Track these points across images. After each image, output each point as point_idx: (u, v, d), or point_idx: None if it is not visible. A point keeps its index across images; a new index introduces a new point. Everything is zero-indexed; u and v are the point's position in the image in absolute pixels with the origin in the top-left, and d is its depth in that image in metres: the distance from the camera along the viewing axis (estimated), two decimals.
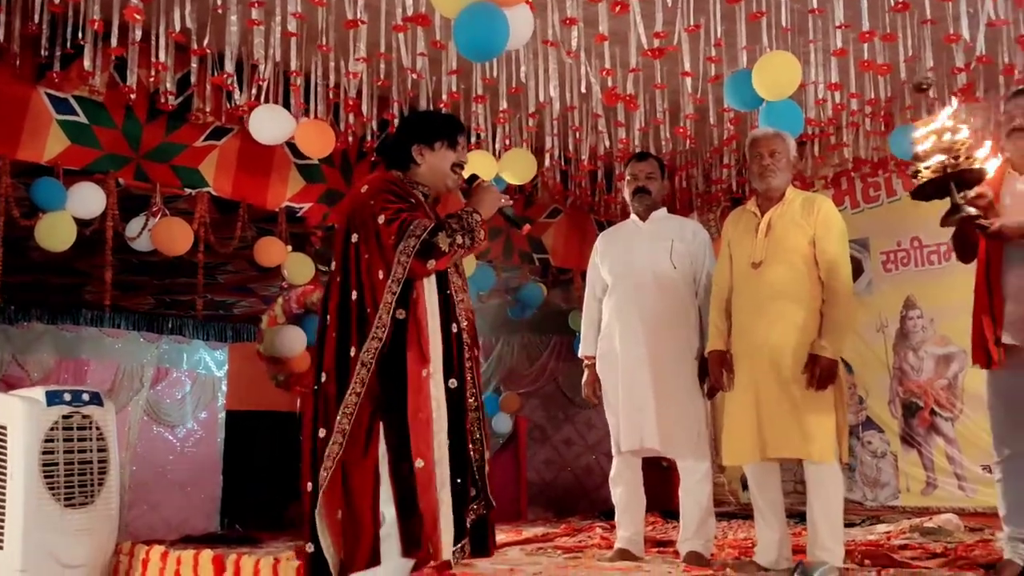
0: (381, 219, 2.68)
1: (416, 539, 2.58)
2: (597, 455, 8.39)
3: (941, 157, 3.11)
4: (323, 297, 2.87)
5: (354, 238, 2.73)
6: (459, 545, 2.71)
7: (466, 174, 3.03)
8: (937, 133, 3.16)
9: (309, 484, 2.69)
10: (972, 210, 3.14)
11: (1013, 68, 4.84)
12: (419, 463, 2.60)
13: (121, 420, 8.77)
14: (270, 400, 8.54)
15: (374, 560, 2.57)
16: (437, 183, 2.91)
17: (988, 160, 3.18)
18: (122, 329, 9.16)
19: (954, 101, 3.20)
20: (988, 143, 3.23)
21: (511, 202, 2.99)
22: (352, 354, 2.64)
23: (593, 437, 8.60)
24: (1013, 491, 3.35)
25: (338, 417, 2.62)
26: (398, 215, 2.68)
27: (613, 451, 4.21)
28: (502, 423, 8.61)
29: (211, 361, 10.00)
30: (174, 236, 5.22)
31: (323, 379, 2.70)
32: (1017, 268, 3.24)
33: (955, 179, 3.11)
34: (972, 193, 3.16)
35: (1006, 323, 3.25)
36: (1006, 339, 3.25)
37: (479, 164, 5.17)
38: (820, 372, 3.44)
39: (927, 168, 3.16)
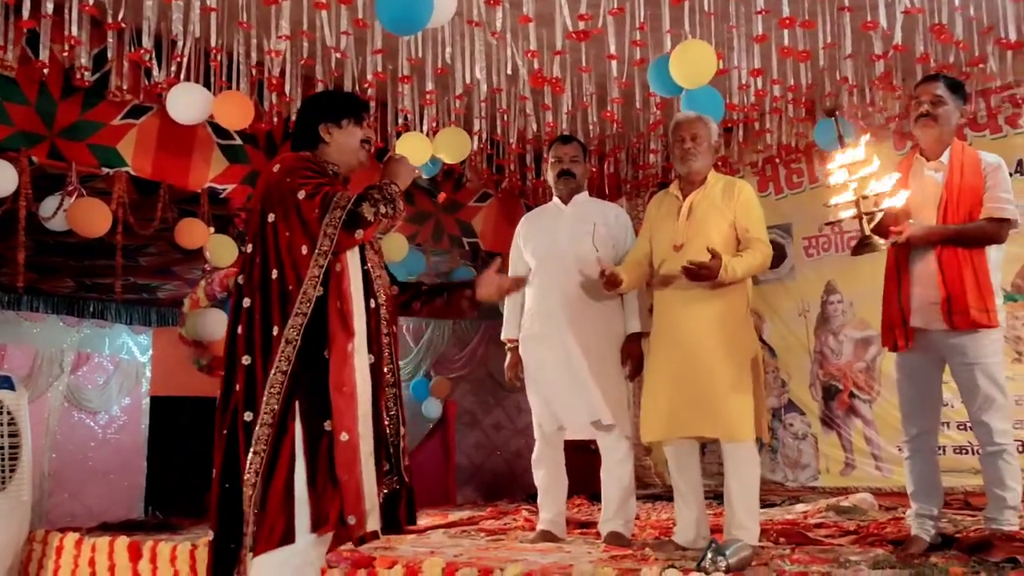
0: (301, 195, 2.64)
1: (326, 516, 2.56)
2: (527, 439, 8.43)
3: (850, 197, 3.21)
4: (238, 279, 2.81)
5: (271, 217, 2.69)
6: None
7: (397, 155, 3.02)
8: (848, 168, 3.25)
9: (224, 471, 2.64)
10: (881, 242, 3.24)
11: (929, 56, 4.96)
12: (343, 436, 2.58)
13: (40, 406, 8.58)
14: (195, 386, 8.37)
15: (287, 538, 2.54)
16: (346, 160, 2.89)
17: (895, 193, 3.25)
18: (41, 312, 8.89)
19: (864, 137, 3.29)
20: (894, 175, 3.31)
21: (422, 173, 2.99)
22: (275, 333, 2.61)
23: (523, 421, 8.63)
24: (920, 469, 3.44)
25: (265, 398, 2.58)
26: (319, 189, 2.66)
27: (536, 433, 4.22)
28: (432, 408, 8.60)
29: (134, 346, 9.79)
30: (92, 217, 5.08)
31: (246, 361, 2.65)
32: (924, 253, 3.33)
33: (866, 216, 3.21)
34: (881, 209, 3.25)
35: (913, 308, 3.34)
36: (914, 322, 3.34)
37: (412, 146, 5.13)
38: (703, 268, 3.44)
39: (836, 205, 3.27)
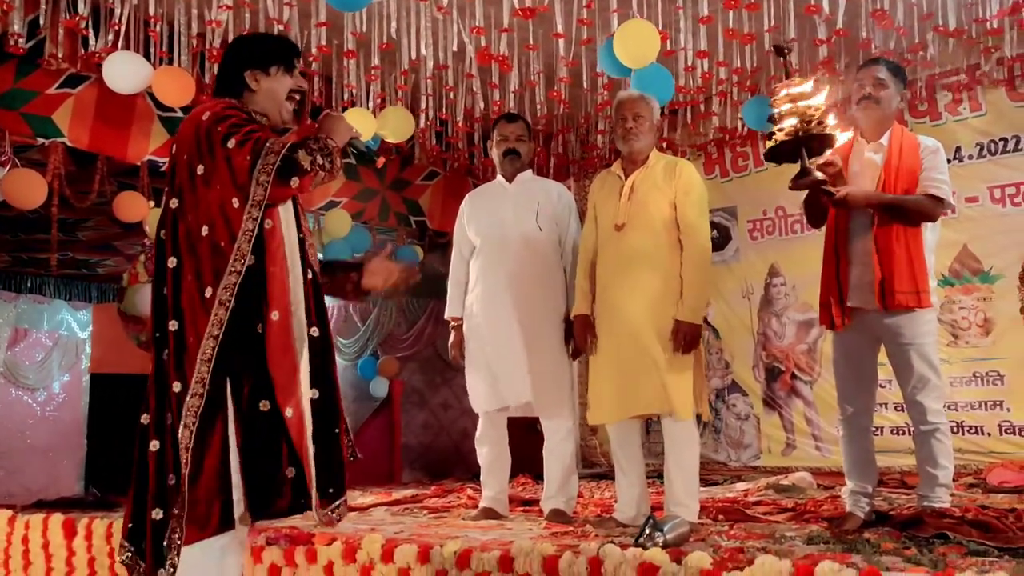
0: (231, 143, 2.41)
1: (265, 503, 2.46)
2: (474, 419, 8.42)
3: (794, 121, 3.19)
4: (160, 235, 2.62)
5: (199, 169, 2.45)
6: (342, 499, 2.60)
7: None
8: (792, 98, 3.24)
9: (155, 443, 2.51)
10: (820, 175, 3.24)
11: (871, 42, 5.01)
12: (288, 412, 2.46)
13: None
14: (136, 363, 8.24)
15: (224, 525, 2.43)
16: (273, 111, 2.69)
17: (838, 128, 3.28)
18: None
19: (816, 73, 3.29)
20: (835, 115, 3.33)
21: (361, 134, 2.84)
22: (208, 294, 2.40)
23: (469, 401, 8.63)
24: (854, 448, 3.50)
25: (197, 366, 2.37)
26: (250, 136, 2.45)
27: (478, 410, 4.22)
28: (379, 387, 8.56)
29: (74, 322, 9.61)
30: (27, 188, 4.96)
31: (173, 326, 2.42)
32: (861, 234, 3.37)
33: (806, 144, 3.20)
34: (821, 160, 3.26)
35: (851, 287, 3.38)
36: (851, 302, 3.38)
37: (357, 122, 5.05)
38: (684, 336, 3.54)
39: (780, 131, 3.24)
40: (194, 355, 2.38)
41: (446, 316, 4.35)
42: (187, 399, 2.38)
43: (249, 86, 2.64)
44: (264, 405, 2.42)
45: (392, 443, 8.08)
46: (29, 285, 9.05)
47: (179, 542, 2.37)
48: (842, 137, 3.37)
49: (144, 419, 2.50)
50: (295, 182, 2.39)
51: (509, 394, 4.06)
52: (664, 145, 6.24)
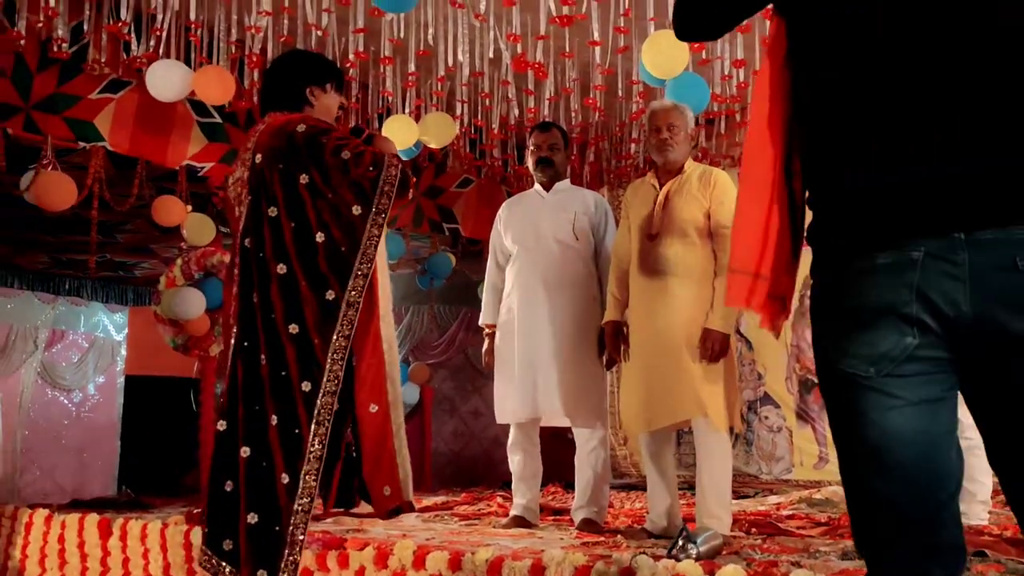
0: (346, 154, 2.54)
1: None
2: (504, 427, 8.43)
3: None
4: (247, 246, 2.66)
5: (303, 179, 2.56)
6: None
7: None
8: None
9: (246, 450, 2.46)
10: None
11: None
12: (372, 408, 2.54)
13: (14, 383, 8.53)
14: (170, 365, 8.35)
15: (408, 491, 2.50)
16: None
17: None
18: (15, 288, 8.82)
19: None
20: None
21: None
22: (330, 297, 2.50)
23: (495, 412, 8.63)
24: None
25: (328, 365, 2.47)
26: (361, 148, 2.57)
27: (502, 422, 4.22)
28: (410, 393, 8.58)
29: (110, 324, 9.72)
30: (55, 190, 5.01)
31: (293, 330, 2.50)
32: None
33: None
34: None
35: None
36: None
37: (398, 129, 5.10)
38: (713, 345, 3.50)
39: None
40: (321, 355, 2.46)
41: (480, 323, 4.35)
42: (319, 398, 2.45)
43: (309, 100, 2.75)
44: (373, 408, 2.50)
45: (423, 449, 8.09)
46: (67, 287, 9.18)
47: (302, 538, 2.41)
48: None
49: (221, 426, 2.54)
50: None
51: (543, 403, 4.05)
52: (697, 155, 6.21)
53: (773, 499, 5.45)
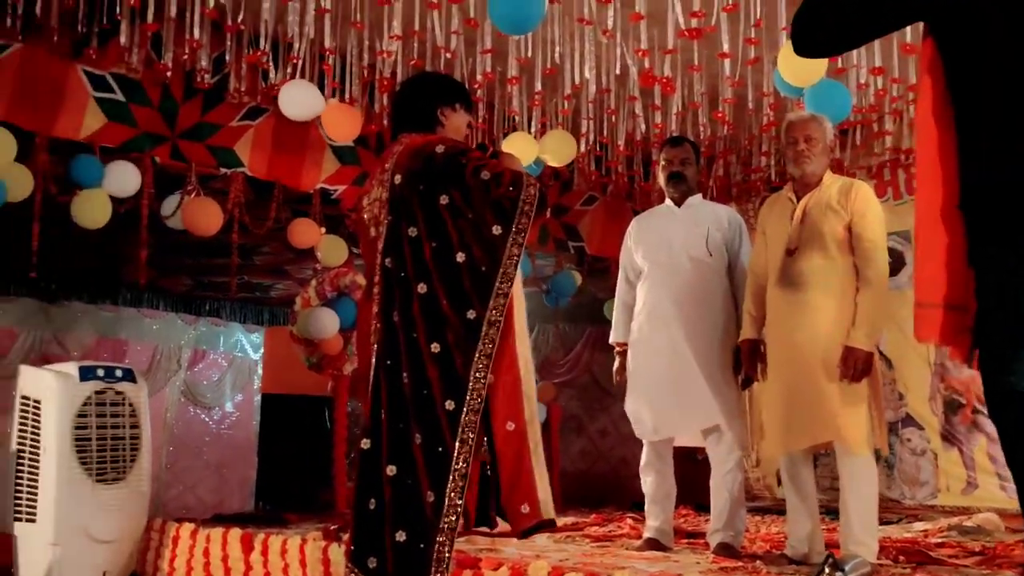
0: (485, 175, 2.57)
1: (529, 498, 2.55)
2: (633, 446, 8.32)
3: None
4: (388, 266, 2.69)
5: (443, 199, 2.60)
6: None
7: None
8: None
9: (392, 468, 2.49)
10: None
11: None
12: (510, 425, 2.54)
13: (159, 401, 8.90)
14: (305, 384, 8.57)
15: (547, 509, 2.53)
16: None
17: None
18: (160, 310, 9.25)
19: None
20: None
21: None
22: (471, 316, 2.52)
23: (629, 428, 8.42)
24: None
25: (471, 383, 2.49)
26: (499, 169, 2.60)
27: (641, 437, 4.14)
28: (538, 412, 8.56)
29: (247, 344, 10.08)
30: (204, 216, 5.23)
31: (435, 349, 2.53)
32: None
33: None
34: None
35: None
36: None
37: (519, 146, 5.12)
38: (855, 364, 3.35)
39: None
40: (463, 374, 2.49)
41: (611, 341, 4.30)
42: (463, 416, 2.48)
43: (440, 120, 2.79)
44: (510, 426, 2.51)
45: (551, 469, 8.04)
46: (208, 308, 9.58)
47: (449, 555, 2.44)
48: None
49: (366, 444, 2.58)
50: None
51: (677, 423, 3.97)
52: (832, 166, 6.02)
53: (919, 526, 5.19)
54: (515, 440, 2.51)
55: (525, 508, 2.50)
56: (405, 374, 2.55)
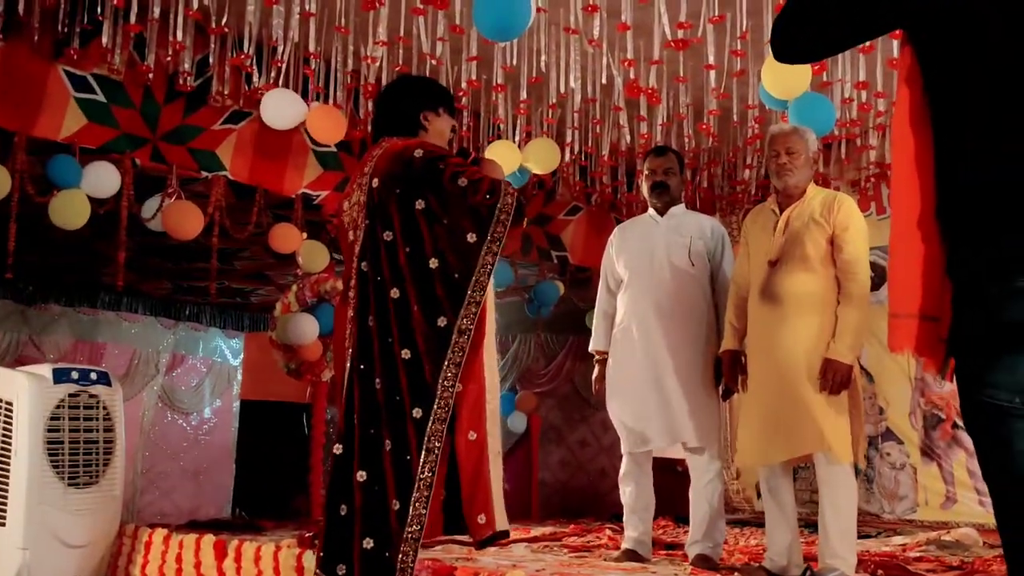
0: (463, 181, 2.54)
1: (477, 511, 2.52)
2: (612, 457, 8.31)
3: None
4: (363, 270, 2.67)
5: (419, 204, 2.57)
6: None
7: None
8: None
9: (362, 474, 2.48)
10: None
11: None
12: (471, 435, 2.51)
13: (135, 405, 8.82)
14: (284, 390, 8.52)
15: (501, 520, 2.50)
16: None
17: None
18: (139, 314, 9.18)
19: None
20: None
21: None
22: (442, 324, 2.50)
23: (609, 439, 8.49)
24: None
25: (438, 391, 2.47)
26: (478, 175, 2.57)
27: (624, 450, 4.12)
28: (517, 422, 8.54)
29: (227, 349, 10.01)
30: (184, 219, 5.18)
31: (405, 355, 2.50)
32: None
33: None
34: None
35: None
36: None
37: (502, 154, 5.10)
38: (835, 376, 3.35)
39: None
40: (433, 381, 2.47)
41: (591, 349, 4.28)
42: (429, 425, 2.46)
43: (422, 125, 2.76)
44: (472, 435, 2.48)
45: (529, 479, 8.03)
46: (187, 313, 9.50)
47: (412, 566, 2.41)
48: None
49: (338, 449, 2.56)
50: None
51: (656, 434, 3.95)
52: (816, 179, 6.04)
53: (898, 540, 5.19)
54: (475, 450, 2.48)
55: (482, 519, 2.48)
56: (378, 379, 2.53)
